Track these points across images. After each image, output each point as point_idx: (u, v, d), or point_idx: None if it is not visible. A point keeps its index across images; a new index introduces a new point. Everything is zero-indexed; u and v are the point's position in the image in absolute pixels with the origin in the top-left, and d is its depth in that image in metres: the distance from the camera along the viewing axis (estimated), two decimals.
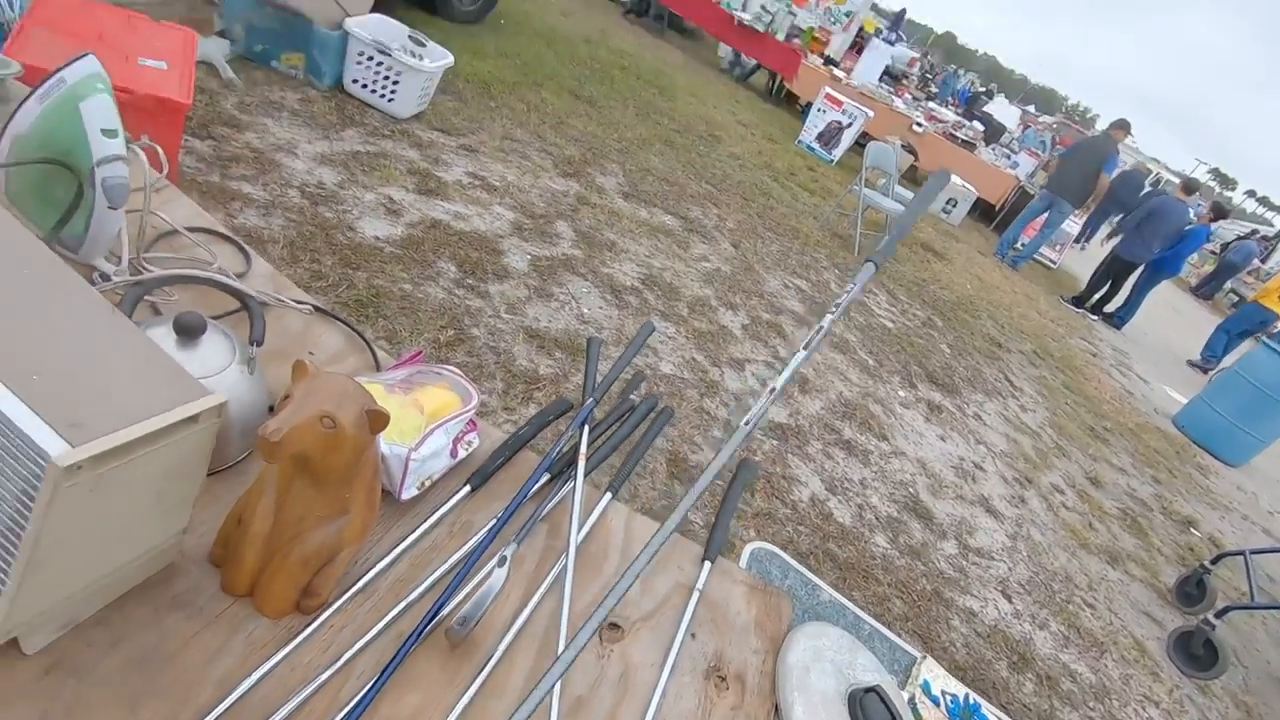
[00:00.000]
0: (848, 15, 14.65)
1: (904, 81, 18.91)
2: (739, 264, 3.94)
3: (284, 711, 0.58)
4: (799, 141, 8.25)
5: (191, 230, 0.94)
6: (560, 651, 0.72)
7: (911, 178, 9.06)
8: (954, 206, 8.50)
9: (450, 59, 3.65)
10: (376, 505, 0.70)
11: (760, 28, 9.38)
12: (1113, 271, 7.54)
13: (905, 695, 0.94)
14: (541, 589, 0.79)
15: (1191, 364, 8.35)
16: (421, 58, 3.45)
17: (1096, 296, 7.80)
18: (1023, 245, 8.06)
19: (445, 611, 0.71)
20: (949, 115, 11.47)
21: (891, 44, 16.51)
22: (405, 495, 0.79)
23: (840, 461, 2.67)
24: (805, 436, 2.71)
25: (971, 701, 0.99)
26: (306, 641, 0.65)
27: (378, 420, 0.60)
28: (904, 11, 20.79)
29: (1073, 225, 9.41)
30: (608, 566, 0.87)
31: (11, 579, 0.48)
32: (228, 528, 0.66)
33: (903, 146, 7.85)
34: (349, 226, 2.51)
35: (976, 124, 11.93)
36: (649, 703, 0.73)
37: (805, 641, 0.85)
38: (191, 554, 0.66)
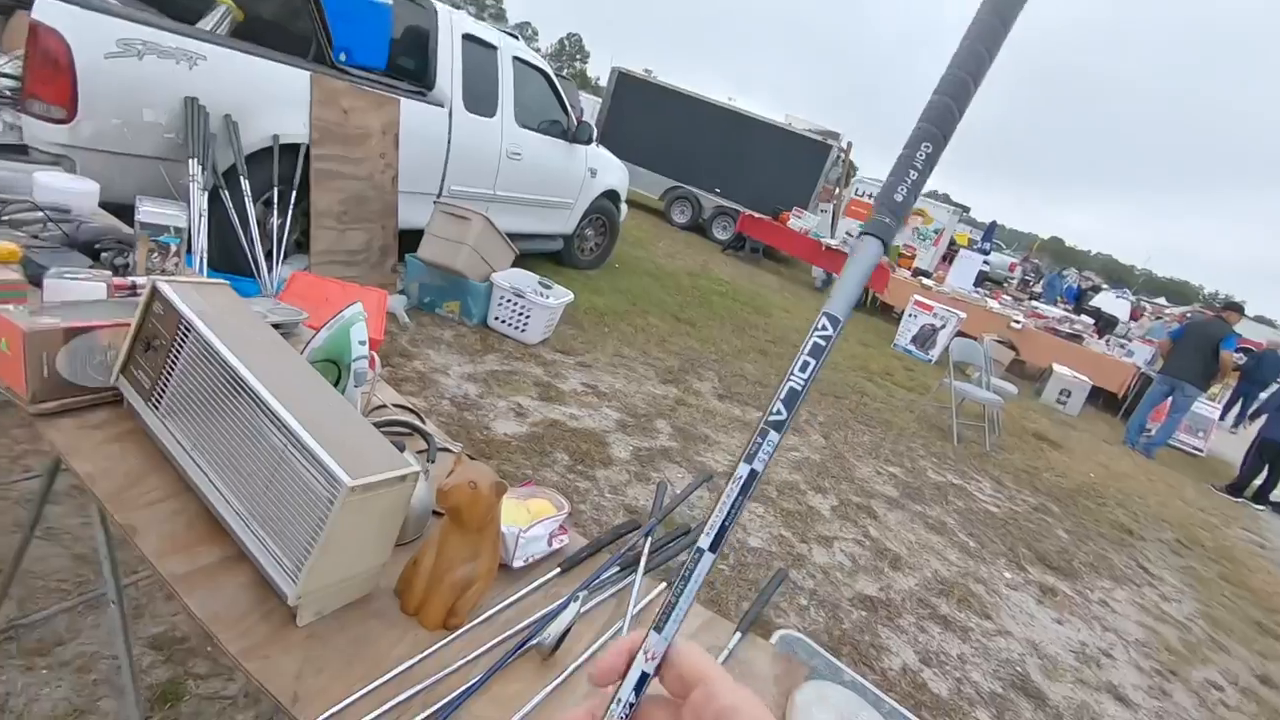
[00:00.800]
0: (936, 232, 15.76)
1: (1004, 285, 19.32)
2: (829, 453, 4.18)
3: (432, 680, 0.92)
4: (895, 344, 8.64)
5: (393, 404, 1.45)
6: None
7: (1018, 371, 9.06)
8: (1068, 397, 8.33)
9: (571, 296, 4.51)
10: (498, 557, 1.07)
11: (848, 251, 10.36)
12: (1265, 456, 6.91)
13: None
14: (605, 635, 1.09)
15: None
16: (548, 297, 4.31)
17: (1256, 483, 7.07)
18: (1152, 432, 7.63)
19: (535, 640, 1.03)
20: (1053, 311, 11.58)
21: (986, 253, 17.24)
22: (515, 564, 1.15)
23: (936, 636, 2.66)
24: (897, 610, 2.74)
25: None
26: (448, 645, 0.99)
27: (500, 488, 1.00)
28: (994, 224, 21.88)
29: (1206, 408, 8.83)
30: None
31: (308, 562, 0.88)
32: (407, 569, 1.05)
33: (999, 341, 8.05)
34: (485, 426, 3.10)
35: (1085, 318, 11.92)
36: None
37: (814, 689, 1.06)
38: (383, 588, 1.05)
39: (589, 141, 5.86)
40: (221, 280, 1.17)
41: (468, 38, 4.52)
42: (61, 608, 1.61)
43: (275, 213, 3.43)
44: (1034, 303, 12.98)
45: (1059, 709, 2.47)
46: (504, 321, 4.28)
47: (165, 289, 1.04)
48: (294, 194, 3.47)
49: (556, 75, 5.80)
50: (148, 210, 1.58)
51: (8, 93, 2.68)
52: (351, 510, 0.88)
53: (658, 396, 4.16)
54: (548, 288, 4.45)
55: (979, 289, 12.29)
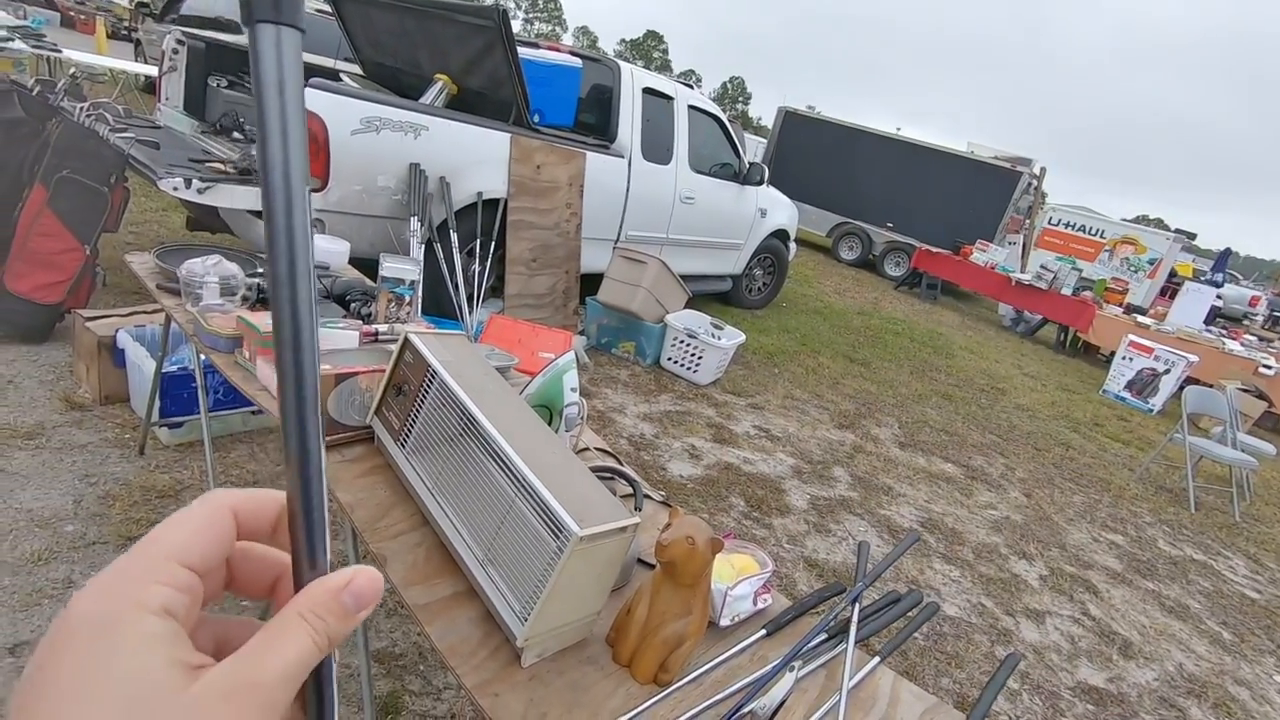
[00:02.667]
0: (1151, 263, 13.87)
1: (1245, 322, 16.48)
2: (1032, 514, 3.73)
3: None
4: (1104, 391, 7.63)
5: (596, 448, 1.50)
6: None
7: (1270, 426, 7.62)
8: None
9: (742, 337, 4.48)
10: (707, 615, 1.04)
11: (1043, 286, 9.39)
12: None
13: None
14: (820, 711, 1.02)
15: None
16: (720, 338, 4.31)
17: None
18: None
19: (749, 706, 0.98)
20: None
21: (1217, 285, 14.92)
22: (723, 623, 1.12)
23: None
24: (1132, 708, 2.34)
25: None
26: (659, 703, 0.97)
27: (716, 545, 0.98)
28: (1227, 251, 18.87)
29: None
30: (875, 711, 1.06)
31: (537, 605, 0.92)
32: (620, 618, 1.05)
33: (1244, 390, 6.82)
34: (662, 467, 3.13)
35: None
36: None
37: None
38: (595, 634, 1.06)
39: (760, 183, 5.87)
40: (459, 331, 1.28)
41: (647, 91, 4.74)
42: None
43: (476, 261, 3.76)
44: None
45: None
46: (676, 362, 4.34)
47: (416, 341, 1.15)
48: (492, 244, 3.80)
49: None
50: (389, 266, 1.79)
51: None
52: (578, 558, 0.90)
53: (833, 442, 3.97)
54: (719, 329, 4.46)
55: (1212, 327, 10.56)
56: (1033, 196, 12.08)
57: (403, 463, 1.16)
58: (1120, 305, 10.20)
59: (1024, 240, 12.16)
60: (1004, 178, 11.52)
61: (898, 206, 12.08)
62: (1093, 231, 13.77)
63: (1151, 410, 7.33)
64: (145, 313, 2.58)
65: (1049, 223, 14.10)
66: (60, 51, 5.97)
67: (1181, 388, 7.31)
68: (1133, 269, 13.42)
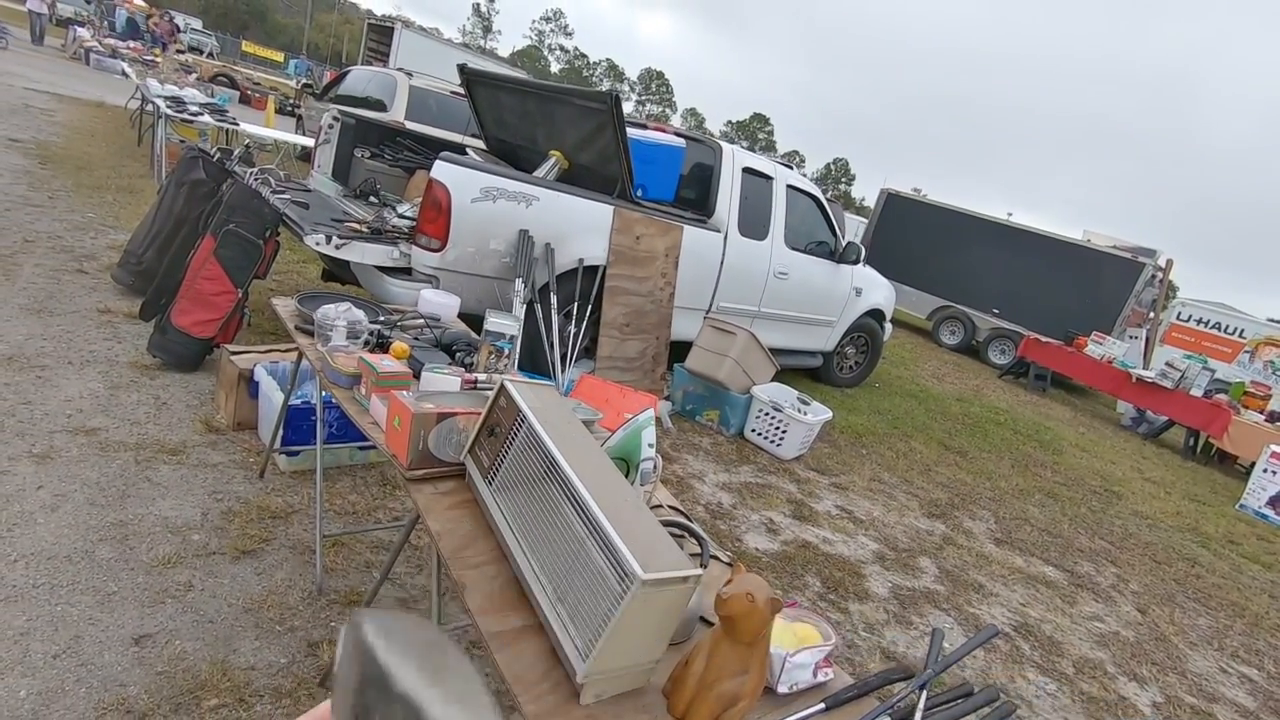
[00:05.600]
0: None
1: None
2: (1147, 632, 3.38)
3: None
4: (1241, 505, 6.86)
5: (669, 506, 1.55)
6: None
7: None
8: None
9: (829, 414, 4.42)
10: (764, 678, 1.05)
11: (1168, 385, 8.68)
12: None
13: None
14: None
15: None
16: (806, 413, 4.27)
17: None
18: None
19: None
20: None
21: None
22: (780, 689, 1.12)
23: None
24: None
25: None
26: None
27: (776, 605, 1.00)
28: None
29: None
30: None
31: (599, 643, 0.96)
32: (677, 670, 1.08)
33: None
34: (737, 538, 3.10)
35: None
36: None
37: None
38: (652, 684, 1.09)
39: (856, 261, 5.87)
40: (549, 382, 1.39)
41: (747, 170, 4.93)
42: None
43: (573, 323, 3.96)
44: None
45: None
46: (760, 434, 4.32)
47: (510, 387, 1.27)
48: (589, 308, 4.00)
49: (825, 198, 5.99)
50: (493, 321, 1.95)
51: (405, 230, 3.55)
52: (640, 602, 0.95)
53: (921, 531, 3.79)
54: (806, 404, 4.42)
55: None
56: (1157, 289, 11.33)
57: (488, 499, 1.26)
58: (1262, 411, 9.25)
59: (1148, 335, 11.34)
60: (1124, 268, 10.90)
61: (1005, 293, 11.64)
62: (1231, 330, 12.66)
63: None
64: (280, 350, 2.89)
65: (1178, 318, 13.09)
66: (238, 125, 6.91)
67: None
68: (1277, 373, 12.18)
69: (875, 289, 6.41)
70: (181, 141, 6.44)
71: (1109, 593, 3.72)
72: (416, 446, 1.30)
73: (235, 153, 4.33)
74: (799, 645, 1.17)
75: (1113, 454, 7.61)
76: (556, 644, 1.06)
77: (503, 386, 1.27)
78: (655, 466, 1.45)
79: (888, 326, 6.76)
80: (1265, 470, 6.90)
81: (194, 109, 6.54)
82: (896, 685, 1.27)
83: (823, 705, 1.14)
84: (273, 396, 2.60)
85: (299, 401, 2.52)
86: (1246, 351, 12.56)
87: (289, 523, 2.35)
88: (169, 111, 6.24)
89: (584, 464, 1.14)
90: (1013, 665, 2.74)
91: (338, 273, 3.83)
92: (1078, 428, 8.54)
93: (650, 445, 1.41)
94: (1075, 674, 2.80)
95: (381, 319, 2.05)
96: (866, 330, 6.48)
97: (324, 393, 2.08)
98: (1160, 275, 11.23)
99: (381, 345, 1.92)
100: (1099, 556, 4.22)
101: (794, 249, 5.34)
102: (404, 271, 3.44)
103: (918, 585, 3.16)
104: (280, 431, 2.45)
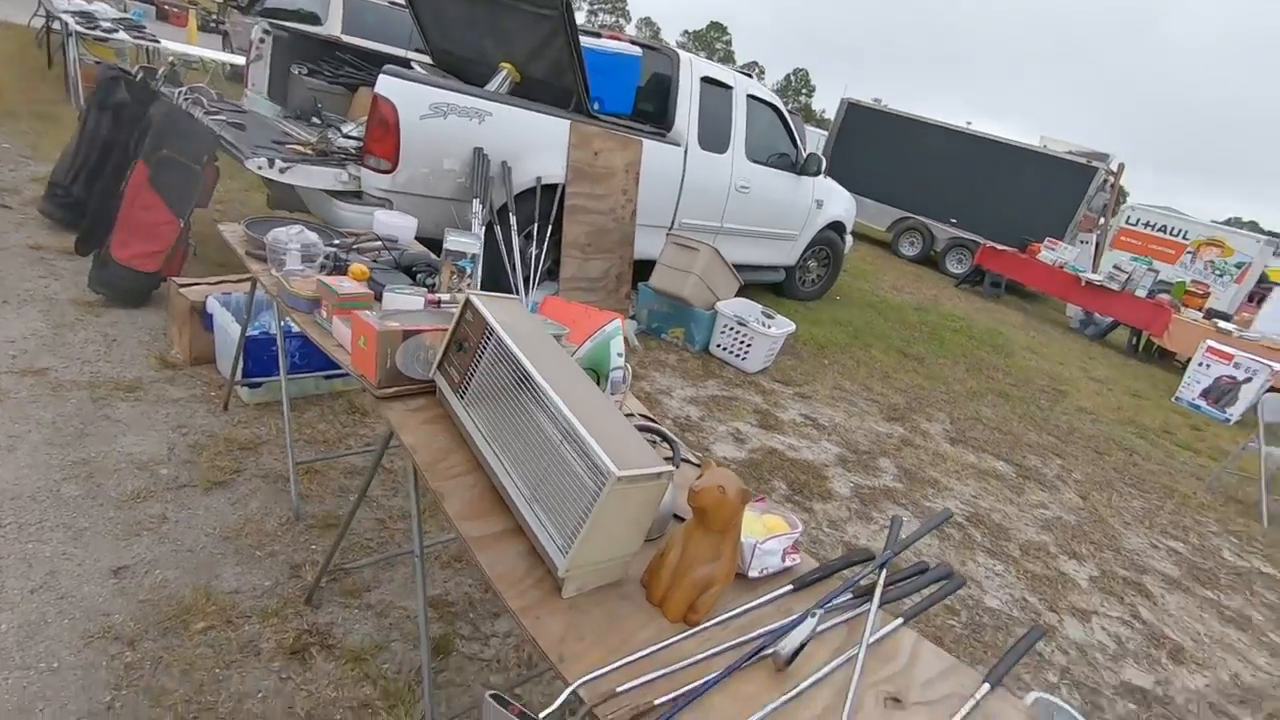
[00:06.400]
0: (1238, 267, 13.09)
1: None
2: (1087, 516, 3.64)
3: (672, 668, 0.98)
4: (1177, 398, 7.28)
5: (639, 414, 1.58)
6: (849, 698, 0.99)
7: None
8: None
9: (793, 327, 4.49)
10: (735, 563, 1.11)
11: (1115, 287, 8.99)
12: None
13: None
14: (841, 658, 1.08)
15: None
16: (769, 327, 4.33)
17: None
18: None
19: (772, 648, 1.05)
20: None
21: None
22: (751, 574, 1.18)
23: None
24: (1179, 712, 2.29)
25: None
26: (689, 638, 1.05)
27: (745, 495, 1.05)
28: None
29: None
30: (894, 665, 1.11)
31: (578, 539, 1.00)
32: (653, 562, 1.13)
33: None
34: (705, 448, 3.19)
35: None
36: None
37: None
38: (630, 576, 1.14)
39: (817, 173, 5.83)
40: (514, 296, 1.38)
41: (706, 80, 4.78)
42: (369, 561, 1.96)
43: (534, 244, 3.89)
44: None
45: None
46: (725, 349, 4.38)
47: (476, 301, 1.25)
48: (549, 228, 3.92)
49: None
50: (453, 240, 1.90)
51: (353, 151, 3.38)
52: (616, 498, 0.98)
53: (881, 434, 3.96)
54: (770, 317, 4.48)
55: None
56: (1109, 194, 11.54)
57: (461, 412, 1.27)
58: (1200, 310, 9.69)
59: (1097, 240, 11.63)
60: (1078, 173, 11.04)
61: (962, 202, 11.74)
62: (1175, 233, 13.07)
63: (1229, 420, 6.96)
64: (232, 281, 2.80)
65: (1127, 222, 13.45)
66: (158, 42, 6.39)
67: None
68: (1218, 273, 12.69)
69: (836, 201, 6.40)
70: (97, 62, 5.94)
71: (1054, 482, 3.97)
72: (384, 365, 1.30)
73: (159, 72, 4.02)
74: (768, 534, 1.24)
75: (1061, 355, 7.94)
76: (536, 543, 1.10)
77: (468, 301, 1.26)
78: (625, 377, 1.47)
79: (848, 239, 6.80)
80: (1200, 364, 7.29)
81: (107, 25, 6.01)
82: (858, 566, 1.36)
83: (790, 586, 1.22)
84: (229, 329, 2.53)
85: (257, 332, 2.46)
86: (1189, 253, 13.02)
87: (258, 453, 2.34)
88: (79, 29, 5.73)
89: (555, 372, 1.15)
90: (964, 551, 2.94)
91: (284, 199, 3.67)
92: (1029, 331, 8.85)
93: (619, 355, 1.42)
94: (1021, 555, 3.02)
95: (336, 242, 1.98)
96: (828, 243, 6.50)
97: (284, 322, 2.04)
98: (1111, 180, 11.42)
99: (338, 268, 1.87)
100: (1045, 450, 4.47)
101: (755, 162, 5.26)
102: (354, 195, 3.31)
103: (878, 484, 3.32)
104: (240, 364, 2.40)
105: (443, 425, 1.33)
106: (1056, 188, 11.15)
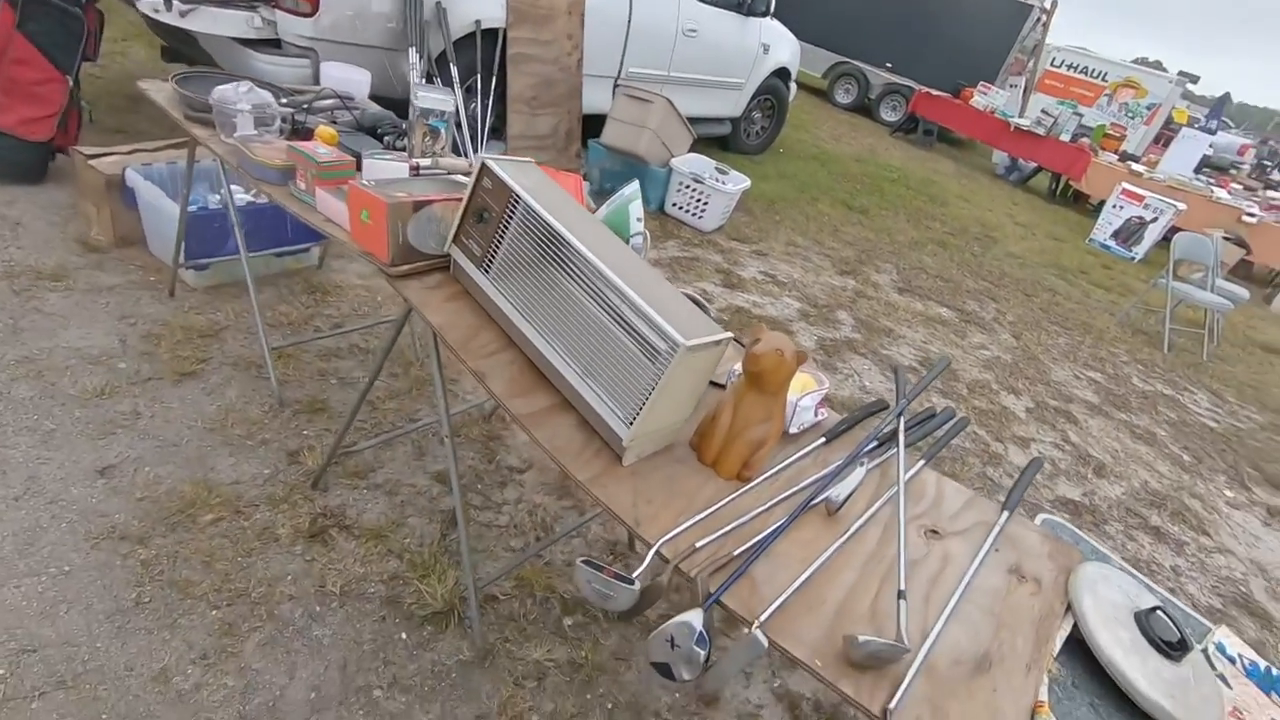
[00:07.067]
0: (1149, 108, 13.49)
1: (1232, 172, 16.42)
2: (1021, 354, 3.94)
3: (738, 522, 1.03)
4: (1090, 240, 7.74)
5: None
6: (901, 533, 1.08)
7: (1246, 274, 7.87)
8: None
9: (747, 182, 4.41)
10: (783, 422, 1.15)
11: (1041, 132, 9.17)
12: None
13: (1198, 648, 1.08)
14: (881, 500, 1.16)
15: None
16: (725, 183, 4.24)
17: None
18: None
19: (827, 494, 1.11)
20: None
21: (1212, 132, 14.67)
22: (792, 429, 1.23)
23: (1146, 546, 2.55)
24: (1103, 516, 2.64)
25: (1277, 673, 1.08)
26: (744, 495, 1.10)
27: (801, 357, 1.06)
28: (1226, 96, 18.32)
29: None
30: (924, 502, 1.21)
31: (644, 409, 1.00)
32: (704, 425, 1.16)
33: (1228, 239, 6.96)
34: None
35: None
36: (964, 575, 1.04)
37: (1096, 568, 1.08)
38: (679, 441, 1.17)
39: (765, 13, 5.49)
40: (526, 159, 1.27)
41: None
42: (369, 444, 1.93)
43: (477, 97, 3.57)
44: (1272, 193, 10.95)
45: None
46: (681, 208, 4.28)
47: (495, 167, 1.15)
48: (493, 80, 3.59)
49: None
50: (424, 96, 1.71)
51: None
52: (681, 367, 0.98)
53: (836, 287, 4.06)
54: (724, 173, 4.37)
55: (1200, 176, 10.52)
56: (1040, 34, 11.44)
57: (488, 288, 1.20)
58: (1116, 153, 10.07)
59: (1026, 83, 11.68)
60: (1011, 13, 10.83)
61: (898, 46, 11.39)
62: (1095, 74, 13.20)
63: (1134, 258, 7.50)
64: (149, 149, 2.47)
65: (1051, 64, 13.47)
66: None
67: (1166, 237, 7.45)
68: (1130, 114, 13.07)
69: (781, 44, 6.09)
70: None
71: (991, 325, 4.23)
72: (397, 240, 1.20)
73: None
74: (802, 392, 1.27)
75: (989, 202, 8.20)
76: (590, 416, 1.09)
77: (485, 166, 1.16)
78: (645, 240, 1.42)
79: (793, 86, 6.56)
80: (1114, 206, 7.70)
81: None
82: (877, 416, 1.43)
83: (824, 439, 1.28)
84: (157, 205, 2.27)
85: (194, 207, 2.21)
86: (1106, 94, 13.27)
87: (221, 340, 2.19)
88: None
89: (594, 241, 1.09)
90: (922, 394, 3.15)
91: (183, 51, 3.18)
92: (960, 180, 9.03)
93: (639, 220, 1.36)
94: (969, 394, 3.27)
95: (285, 101, 1.75)
96: (773, 92, 6.27)
97: (235, 190, 1.84)
98: (1044, 18, 11.27)
99: (297, 132, 1.67)
100: (982, 295, 4.72)
101: (701, 0, 4.88)
102: (271, 44, 2.90)
103: (839, 336, 3.46)
104: (182, 244, 2.18)
105: (465, 302, 1.26)
106: (991, 30, 10.94)
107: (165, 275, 2.33)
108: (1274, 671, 1.09)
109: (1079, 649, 1.00)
